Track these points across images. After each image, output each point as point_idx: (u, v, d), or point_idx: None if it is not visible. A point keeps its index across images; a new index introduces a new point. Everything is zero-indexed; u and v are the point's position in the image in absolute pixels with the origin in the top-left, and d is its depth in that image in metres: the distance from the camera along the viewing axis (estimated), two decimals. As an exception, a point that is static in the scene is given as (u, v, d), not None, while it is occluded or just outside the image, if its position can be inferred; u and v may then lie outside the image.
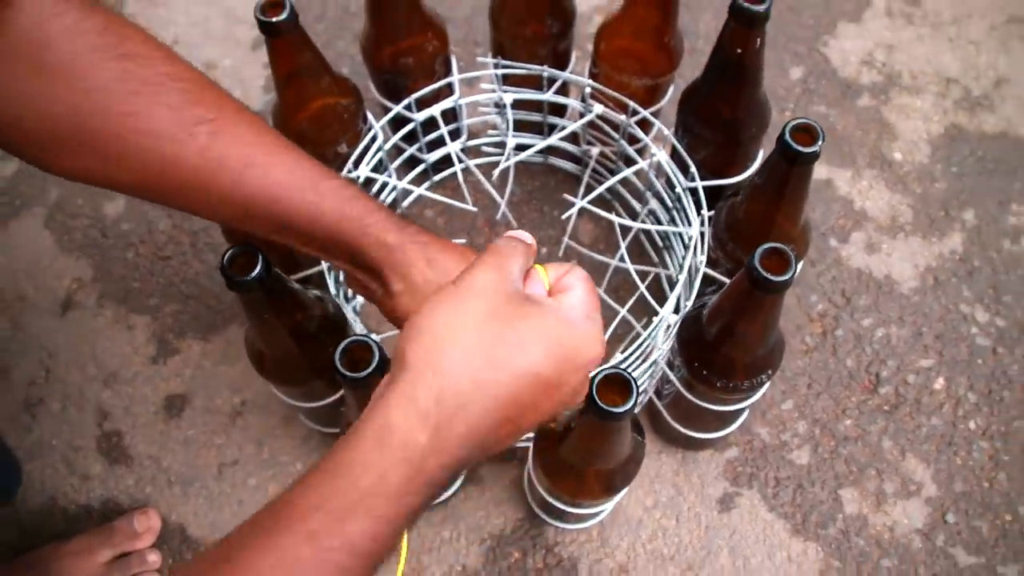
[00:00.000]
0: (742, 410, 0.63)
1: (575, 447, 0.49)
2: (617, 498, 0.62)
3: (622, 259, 0.69)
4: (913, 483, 0.69)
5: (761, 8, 0.53)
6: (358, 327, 0.57)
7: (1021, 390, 0.72)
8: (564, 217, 0.79)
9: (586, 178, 0.77)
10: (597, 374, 0.41)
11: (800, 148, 0.50)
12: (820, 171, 0.83)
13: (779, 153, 0.51)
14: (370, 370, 0.42)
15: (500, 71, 0.69)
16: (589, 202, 0.66)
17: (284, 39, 0.56)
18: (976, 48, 0.90)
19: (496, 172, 0.69)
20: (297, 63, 0.59)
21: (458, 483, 0.67)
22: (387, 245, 0.43)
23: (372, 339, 0.43)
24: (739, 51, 0.57)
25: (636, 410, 0.49)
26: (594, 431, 0.45)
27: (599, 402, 0.41)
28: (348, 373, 0.42)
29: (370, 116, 0.69)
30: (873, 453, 0.70)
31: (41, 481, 0.71)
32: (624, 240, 0.69)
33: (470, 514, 0.68)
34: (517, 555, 0.67)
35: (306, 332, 0.53)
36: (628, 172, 0.69)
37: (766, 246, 0.46)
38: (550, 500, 0.58)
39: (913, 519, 0.68)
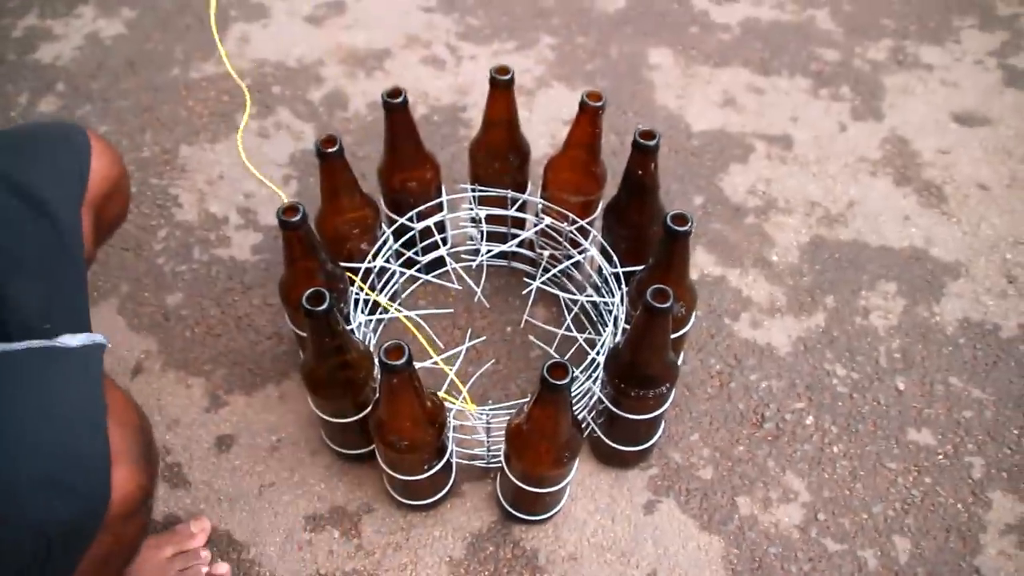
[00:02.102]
0: (654, 425, 0.89)
1: (534, 424, 0.74)
2: (568, 477, 0.86)
3: (568, 328, 0.97)
4: (792, 492, 0.94)
5: (652, 142, 0.85)
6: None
7: (872, 424, 0.99)
8: (524, 293, 1.08)
9: (539, 270, 1.06)
10: (546, 364, 0.68)
11: (678, 228, 0.79)
12: (716, 270, 1.13)
13: (664, 232, 0.81)
14: (404, 360, 0.68)
15: (476, 194, 1.00)
16: (542, 291, 0.95)
17: (333, 164, 0.86)
18: (833, 180, 1.24)
19: (474, 265, 0.98)
20: (339, 182, 0.89)
21: (448, 487, 0.90)
22: None
23: (403, 342, 0.70)
24: (640, 172, 0.88)
25: (571, 386, 0.73)
26: (546, 404, 0.71)
27: (548, 378, 0.67)
28: (389, 362, 0.68)
29: (384, 225, 0.98)
30: (760, 471, 0.96)
31: (116, 501, 0.93)
32: (569, 314, 0.98)
33: (455, 518, 0.92)
34: (491, 548, 0.90)
35: (346, 359, 0.79)
36: (568, 264, 0.99)
37: (655, 287, 0.74)
38: (520, 486, 0.82)
39: (792, 517, 0.93)
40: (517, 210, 1.01)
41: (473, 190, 1.00)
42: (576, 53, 1.42)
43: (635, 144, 0.85)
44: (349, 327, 0.89)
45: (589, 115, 0.89)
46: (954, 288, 1.12)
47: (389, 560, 0.89)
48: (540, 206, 0.99)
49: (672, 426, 0.99)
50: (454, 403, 0.82)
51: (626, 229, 0.94)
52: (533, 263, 1.11)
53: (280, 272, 0.89)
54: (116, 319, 1.08)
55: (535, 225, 1.01)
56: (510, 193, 0.99)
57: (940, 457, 0.97)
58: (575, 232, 0.98)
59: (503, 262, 1.12)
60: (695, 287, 0.91)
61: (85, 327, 0.71)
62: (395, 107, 0.89)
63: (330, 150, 0.84)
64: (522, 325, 1.06)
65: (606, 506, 0.93)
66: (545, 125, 1.31)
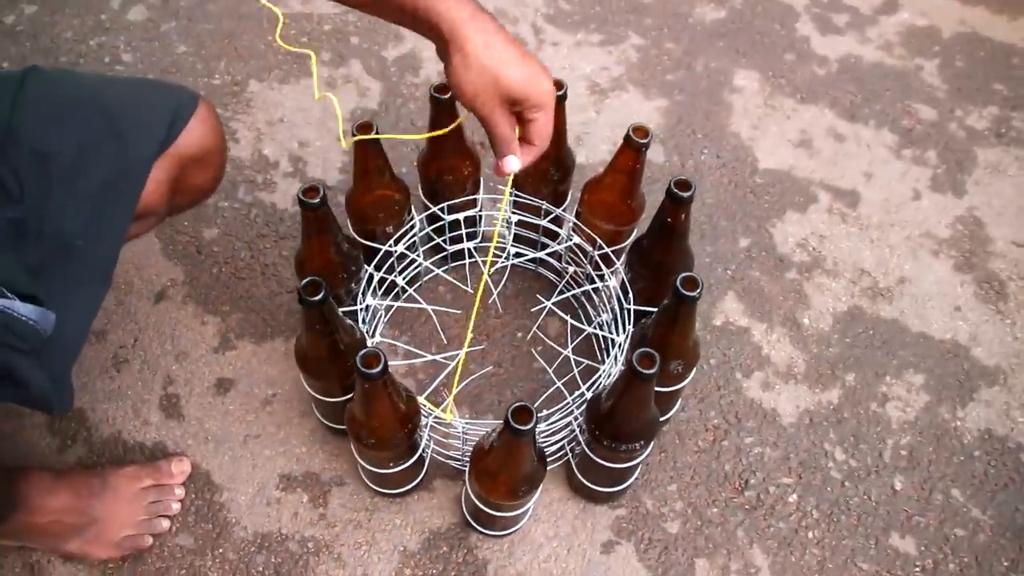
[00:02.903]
0: (627, 472, 0.89)
1: (495, 455, 0.76)
2: (524, 507, 0.88)
3: (573, 351, 0.97)
4: (753, 567, 0.94)
5: (686, 194, 0.83)
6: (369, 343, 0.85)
7: (856, 518, 0.98)
8: (534, 310, 1.08)
9: (560, 286, 1.06)
10: (511, 405, 0.69)
11: (685, 293, 0.78)
12: (742, 321, 1.11)
13: (673, 294, 0.80)
14: (379, 369, 0.71)
15: (511, 197, 1.00)
16: (559, 304, 0.95)
17: (366, 146, 0.87)
18: (891, 251, 1.19)
19: (494, 266, 0.99)
20: (370, 166, 0.90)
21: (423, 474, 0.93)
22: (456, 23, 0.65)
23: (381, 350, 0.72)
24: (669, 220, 0.87)
25: (536, 430, 0.75)
26: (508, 442, 0.73)
27: (512, 421, 0.68)
28: (363, 370, 0.71)
29: (414, 210, 0.99)
30: (728, 537, 0.96)
31: (113, 419, 0.99)
32: (574, 337, 0.98)
33: (418, 511, 0.95)
34: (446, 548, 0.93)
35: (337, 345, 0.82)
36: (587, 287, 0.98)
37: (641, 350, 0.74)
38: (479, 505, 0.84)
39: (746, 591, 0.93)
40: (550, 222, 1.01)
41: (510, 192, 1.00)
42: (660, 59, 1.38)
43: (669, 192, 0.84)
44: (354, 308, 0.92)
45: (633, 151, 0.88)
46: (986, 395, 1.07)
47: (347, 536, 0.94)
48: (571, 223, 0.99)
49: (653, 471, 0.99)
50: (433, 410, 0.84)
51: (646, 270, 0.93)
52: (558, 273, 1.11)
53: None
54: (152, 241, 1.13)
55: (566, 240, 1.01)
56: (545, 205, 0.99)
57: (917, 570, 0.95)
58: (598, 258, 0.97)
59: (530, 265, 1.13)
60: (699, 344, 0.89)
61: (108, 271, 0.75)
62: (442, 102, 0.89)
63: (363, 137, 0.86)
64: (529, 336, 1.07)
65: (566, 535, 0.95)
66: (610, 130, 1.29)
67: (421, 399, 0.85)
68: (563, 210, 1.02)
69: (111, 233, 0.74)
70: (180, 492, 0.94)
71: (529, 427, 0.69)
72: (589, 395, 0.86)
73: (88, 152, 0.69)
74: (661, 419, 0.92)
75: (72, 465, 0.96)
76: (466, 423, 0.85)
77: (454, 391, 0.85)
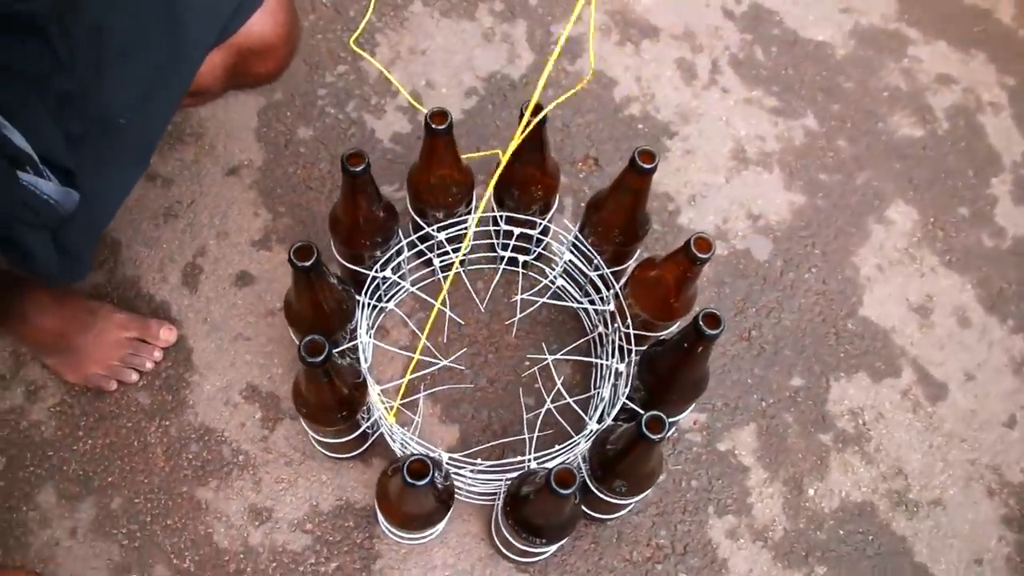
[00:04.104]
0: (537, 553, 0.89)
1: (395, 490, 0.77)
2: (421, 536, 0.89)
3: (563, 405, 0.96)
4: None
5: (714, 332, 0.79)
6: (370, 381, 0.86)
7: None
8: (555, 351, 1.07)
9: (586, 339, 1.04)
10: (411, 458, 0.69)
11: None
12: (748, 458, 1.06)
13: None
14: (320, 359, 0.72)
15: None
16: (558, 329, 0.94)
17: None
18: (944, 466, 1.09)
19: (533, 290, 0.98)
20: (436, 157, 0.90)
21: (364, 447, 0.96)
22: None
23: (323, 339, 0.73)
24: (688, 346, 0.82)
25: (434, 483, 0.76)
26: (402, 490, 0.74)
27: (406, 475, 0.69)
28: (304, 355, 0.72)
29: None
30: (610, 656, 0.94)
31: (139, 263, 1.07)
32: (574, 391, 0.96)
33: (347, 480, 0.99)
34: (351, 524, 0.97)
35: (322, 309, 0.84)
36: (599, 360, 0.96)
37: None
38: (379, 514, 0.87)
39: None
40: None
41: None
42: (824, 154, 1.28)
43: (695, 326, 0.79)
44: (369, 273, 0.93)
45: (691, 262, 0.83)
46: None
47: (275, 467, 0.99)
48: (614, 292, 0.96)
49: (573, 556, 0.98)
50: (379, 406, 0.86)
51: (654, 379, 0.89)
52: (592, 326, 1.09)
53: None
54: (251, 118, 1.19)
55: (606, 302, 0.98)
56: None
57: None
58: (596, 278, 0.96)
59: (569, 304, 1.10)
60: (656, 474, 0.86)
61: (147, 152, 0.80)
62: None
63: (439, 127, 0.85)
64: (531, 371, 1.06)
65: (463, 570, 0.96)
66: (729, 204, 1.21)
67: (377, 390, 0.86)
68: (615, 273, 0.99)
69: (155, 116, 0.77)
70: (158, 355, 1.02)
71: (423, 482, 0.69)
72: (533, 465, 0.86)
73: (144, 32, 0.71)
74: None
75: (87, 288, 1.05)
76: (401, 434, 0.87)
77: (399, 398, 0.86)
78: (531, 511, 0.78)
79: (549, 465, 0.84)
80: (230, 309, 1.06)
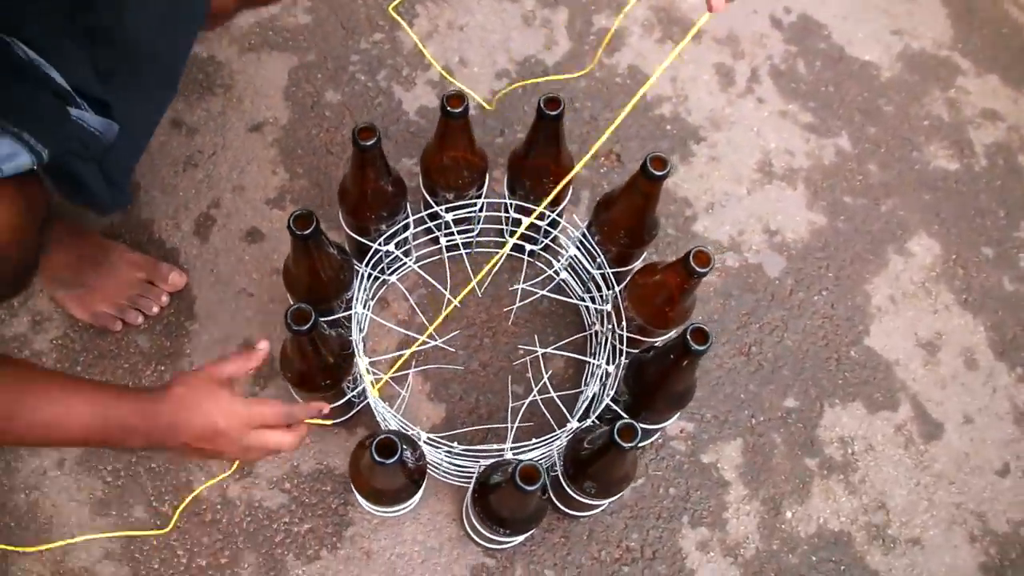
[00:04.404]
0: (503, 542, 0.90)
1: (366, 466, 0.79)
2: (390, 510, 0.91)
3: (544, 389, 0.97)
4: None
5: (702, 347, 0.79)
6: (360, 352, 0.88)
7: None
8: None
9: (584, 334, 1.04)
10: (377, 437, 0.71)
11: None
12: (730, 473, 1.06)
13: (682, 342, 0.78)
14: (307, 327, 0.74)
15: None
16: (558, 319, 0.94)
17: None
18: (928, 506, 1.08)
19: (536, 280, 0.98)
20: (450, 138, 0.90)
21: (348, 416, 0.98)
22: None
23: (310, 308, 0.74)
24: (675, 360, 0.82)
25: (404, 462, 0.77)
26: (371, 465, 0.75)
27: (375, 453, 0.71)
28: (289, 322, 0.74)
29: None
30: (565, 650, 0.95)
31: (155, 208, 1.10)
32: (564, 386, 0.97)
33: (330, 446, 1.01)
34: (328, 489, 0.99)
35: (319, 276, 0.86)
36: (594, 361, 0.96)
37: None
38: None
39: None
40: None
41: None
42: (853, 177, 1.26)
43: (684, 341, 0.79)
44: (372, 246, 0.94)
45: (690, 275, 0.83)
46: None
47: (258, 425, 1.01)
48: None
49: (542, 548, 0.99)
50: (365, 376, 0.88)
51: (640, 385, 0.90)
52: (590, 321, 1.09)
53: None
54: (281, 75, 1.20)
55: (605, 302, 0.98)
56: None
57: None
58: (597, 276, 0.96)
59: (571, 300, 1.11)
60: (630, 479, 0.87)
61: (175, 78, 0.82)
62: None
63: (455, 110, 0.85)
64: (510, 331, 1.06)
65: (431, 547, 0.98)
66: (747, 218, 1.20)
67: (366, 362, 0.88)
68: (618, 274, 0.99)
69: (180, 42, 0.80)
70: (165, 300, 1.04)
71: (391, 461, 0.71)
72: (509, 455, 0.87)
73: None
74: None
75: (103, 227, 1.07)
76: (384, 409, 0.88)
77: (390, 372, 0.88)
78: (496, 501, 0.80)
79: (525, 457, 0.86)
80: (237, 264, 1.08)
